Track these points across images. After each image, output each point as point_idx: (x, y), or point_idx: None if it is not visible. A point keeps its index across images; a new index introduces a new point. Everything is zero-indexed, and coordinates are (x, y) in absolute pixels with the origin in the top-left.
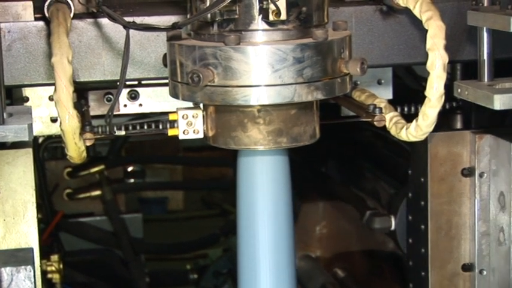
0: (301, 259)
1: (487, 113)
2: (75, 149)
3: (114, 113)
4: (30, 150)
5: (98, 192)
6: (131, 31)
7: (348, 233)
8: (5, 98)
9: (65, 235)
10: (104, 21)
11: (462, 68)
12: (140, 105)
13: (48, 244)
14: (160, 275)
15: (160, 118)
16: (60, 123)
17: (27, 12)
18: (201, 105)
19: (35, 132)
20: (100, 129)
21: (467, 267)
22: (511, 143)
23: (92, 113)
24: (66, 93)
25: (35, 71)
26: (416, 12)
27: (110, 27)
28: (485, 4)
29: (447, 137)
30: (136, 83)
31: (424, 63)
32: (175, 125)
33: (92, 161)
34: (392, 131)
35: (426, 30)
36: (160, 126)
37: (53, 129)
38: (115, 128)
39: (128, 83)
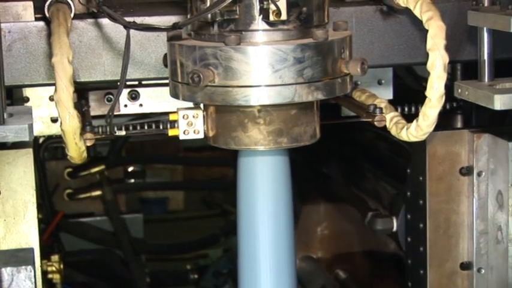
0: (302, 260)
1: (488, 113)
2: (76, 149)
3: (115, 113)
4: (30, 151)
5: (98, 193)
6: (132, 31)
7: (349, 233)
8: (6, 98)
9: (66, 235)
10: (105, 21)
11: (462, 68)
12: (140, 105)
13: (49, 244)
14: (161, 275)
15: (160, 118)
16: (61, 123)
17: (27, 12)
18: (202, 106)
19: (36, 133)
20: (100, 130)
21: (466, 266)
22: (509, 142)
23: (92, 113)
24: (66, 94)
25: (35, 71)
26: (416, 12)
27: (110, 27)
28: (486, 4)
29: (445, 136)
30: (136, 83)
31: (425, 64)
32: (176, 125)
33: (92, 161)
34: (393, 131)
35: (426, 31)
36: (161, 127)
37: (54, 130)
38: (115, 128)
39: (128, 83)
